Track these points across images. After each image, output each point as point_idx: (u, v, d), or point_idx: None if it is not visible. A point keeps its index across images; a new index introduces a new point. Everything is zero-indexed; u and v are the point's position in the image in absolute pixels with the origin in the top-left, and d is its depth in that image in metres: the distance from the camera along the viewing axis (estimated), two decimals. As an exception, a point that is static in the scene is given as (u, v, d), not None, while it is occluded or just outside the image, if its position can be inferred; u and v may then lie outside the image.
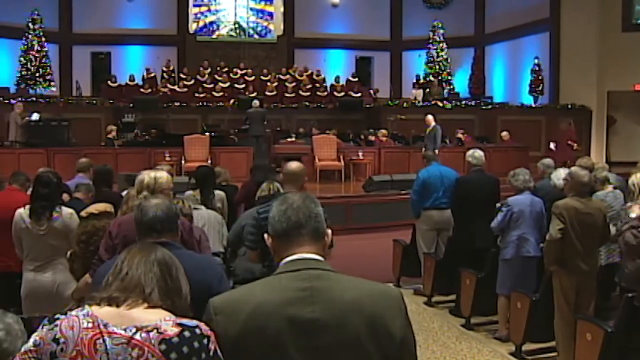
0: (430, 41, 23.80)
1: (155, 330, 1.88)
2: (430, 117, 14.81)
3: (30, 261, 5.12)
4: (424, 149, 14.82)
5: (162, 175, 4.04)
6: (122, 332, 1.88)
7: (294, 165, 4.80)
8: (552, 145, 17.09)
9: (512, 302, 6.26)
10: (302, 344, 1.97)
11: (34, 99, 17.92)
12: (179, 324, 1.93)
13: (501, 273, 6.52)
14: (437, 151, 14.44)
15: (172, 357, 1.87)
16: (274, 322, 1.97)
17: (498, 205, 7.04)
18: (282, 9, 25.21)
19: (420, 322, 7.19)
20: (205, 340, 1.92)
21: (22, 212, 5.09)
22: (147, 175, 4.03)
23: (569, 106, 19.60)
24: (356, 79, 22.75)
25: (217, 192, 6.92)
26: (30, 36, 20.41)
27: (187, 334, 1.90)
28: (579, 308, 5.63)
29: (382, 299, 2.08)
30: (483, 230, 6.90)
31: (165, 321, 1.92)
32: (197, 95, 20.01)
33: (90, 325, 1.89)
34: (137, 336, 1.87)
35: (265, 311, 1.98)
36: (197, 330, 1.93)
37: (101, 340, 1.87)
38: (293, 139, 16.88)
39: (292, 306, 1.99)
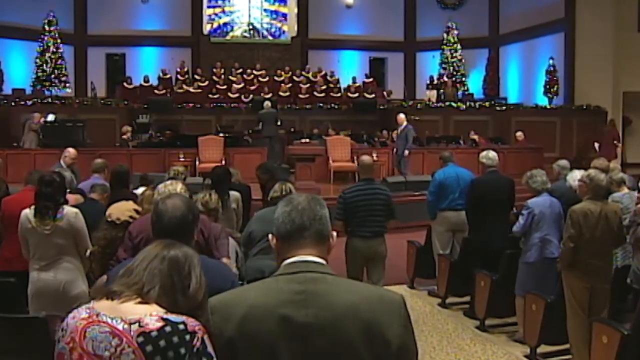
0: (444, 42, 23.72)
1: (137, 323, 1.94)
2: (402, 116, 14.65)
3: (36, 261, 5.13)
4: (395, 150, 14.74)
5: (175, 188, 4.06)
6: (109, 322, 1.97)
7: (365, 158, 6.91)
8: (596, 146, 16.99)
9: (527, 304, 6.23)
10: (294, 348, 1.96)
11: (50, 100, 18.03)
12: (164, 319, 1.97)
13: (523, 275, 6.47)
14: (407, 152, 14.30)
15: (147, 349, 1.92)
16: (267, 325, 1.96)
17: (514, 211, 7.00)
18: (295, 10, 25.23)
19: (434, 324, 7.19)
20: (187, 336, 1.95)
21: (28, 212, 5.12)
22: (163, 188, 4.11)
23: (584, 107, 19.49)
24: (371, 80, 22.71)
25: (232, 192, 6.93)
26: (45, 38, 20.57)
27: (168, 328, 1.94)
28: (593, 310, 5.60)
29: (380, 304, 2.02)
30: (498, 232, 6.88)
31: (150, 316, 1.97)
32: (211, 96, 20.07)
33: (86, 315, 2.01)
34: (120, 327, 1.95)
35: (259, 313, 1.98)
36: (181, 326, 1.96)
37: (91, 328, 1.98)
38: (307, 140, 16.88)
39: (286, 309, 1.97)
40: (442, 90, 21.61)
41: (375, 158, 14.94)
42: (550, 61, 20.74)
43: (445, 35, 23.74)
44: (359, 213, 6.41)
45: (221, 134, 16.13)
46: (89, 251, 4.92)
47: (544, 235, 6.32)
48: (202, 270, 2.17)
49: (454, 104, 19.88)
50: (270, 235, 2.18)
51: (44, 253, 5.11)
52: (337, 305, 1.98)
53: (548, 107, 20.38)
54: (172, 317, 1.98)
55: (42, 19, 20.56)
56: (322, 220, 2.14)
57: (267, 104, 16.54)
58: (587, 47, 19.84)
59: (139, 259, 2.14)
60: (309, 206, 2.13)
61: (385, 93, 21.79)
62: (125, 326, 1.95)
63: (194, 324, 1.98)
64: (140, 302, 2.01)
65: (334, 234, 2.19)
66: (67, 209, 5.18)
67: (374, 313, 1.99)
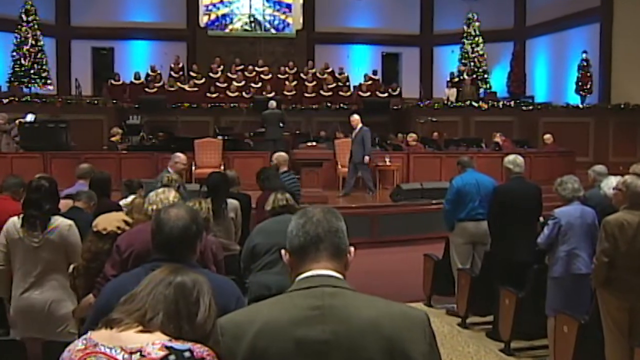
0: (465, 35, 23.73)
1: (138, 353, 1.99)
2: (356, 117, 14.01)
3: (21, 277, 4.98)
4: (349, 156, 14.19)
5: (168, 196, 4.03)
6: (108, 352, 2.00)
7: (283, 153, 9.88)
8: None
9: (557, 325, 6.18)
10: None
11: (29, 98, 18.08)
12: (167, 347, 2.00)
13: (550, 292, 6.42)
14: (367, 157, 13.75)
15: None
16: (281, 343, 1.99)
17: (542, 219, 6.96)
18: (301, 1, 25.33)
19: (454, 346, 7.15)
20: None
21: (15, 220, 4.98)
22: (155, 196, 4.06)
23: (622, 106, 19.41)
24: (376, 78, 22.70)
25: (230, 201, 6.93)
26: (23, 29, 20.56)
27: (172, 357, 1.98)
28: (634, 334, 5.54)
29: (403, 321, 2.05)
30: (524, 244, 6.84)
31: (153, 345, 2.00)
32: (208, 95, 20.13)
33: (82, 347, 2.05)
34: (119, 357, 1.99)
35: (272, 331, 2.01)
36: (187, 354, 2.00)
37: None
38: (314, 143, 16.85)
39: (301, 326, 2.00)
40: (461, 89, 21.57)
41: (388, 163, 14.97)
42: (583, 55, 20.71)
43: (465, 27, 23.76)
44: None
45: (220, 137, 16.12)
46: (72, 266, 4.85)
47: (571, 248, 6.26)
48: (213, 298, 2.20)
49: (475, 104, 19.87)
50: (282, 251, 2.22)
51: (30, 268, 4.96)
52: (356, 321, 2.00)
53: (580, 106, 20.34)
54: (177, 344, 2.01)
55: (18, 7, 20.53)
56: (339, 233, 2.18)
57: (272, 103, 16.50)
58: (625, 39, 19.76)
59: (143, 284, 2.17)
60: (324, 218, 2.18)
61: (391, 89, 21.75)
62: (126, 356, 1.98)
63: (201, 351, 2.02)
64: (142, 331, 2.04)
65: (352, 249, 2.22)
66: (61, 220, 5.03)
67: (397, 330, 2.02)
